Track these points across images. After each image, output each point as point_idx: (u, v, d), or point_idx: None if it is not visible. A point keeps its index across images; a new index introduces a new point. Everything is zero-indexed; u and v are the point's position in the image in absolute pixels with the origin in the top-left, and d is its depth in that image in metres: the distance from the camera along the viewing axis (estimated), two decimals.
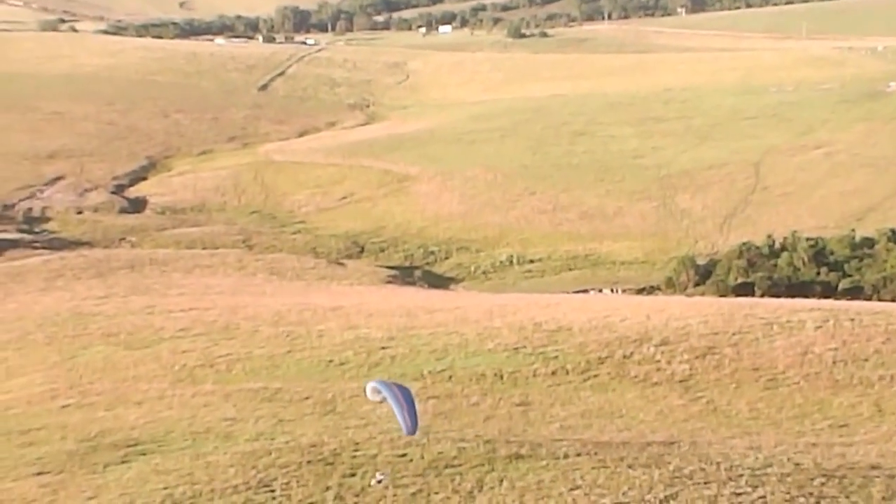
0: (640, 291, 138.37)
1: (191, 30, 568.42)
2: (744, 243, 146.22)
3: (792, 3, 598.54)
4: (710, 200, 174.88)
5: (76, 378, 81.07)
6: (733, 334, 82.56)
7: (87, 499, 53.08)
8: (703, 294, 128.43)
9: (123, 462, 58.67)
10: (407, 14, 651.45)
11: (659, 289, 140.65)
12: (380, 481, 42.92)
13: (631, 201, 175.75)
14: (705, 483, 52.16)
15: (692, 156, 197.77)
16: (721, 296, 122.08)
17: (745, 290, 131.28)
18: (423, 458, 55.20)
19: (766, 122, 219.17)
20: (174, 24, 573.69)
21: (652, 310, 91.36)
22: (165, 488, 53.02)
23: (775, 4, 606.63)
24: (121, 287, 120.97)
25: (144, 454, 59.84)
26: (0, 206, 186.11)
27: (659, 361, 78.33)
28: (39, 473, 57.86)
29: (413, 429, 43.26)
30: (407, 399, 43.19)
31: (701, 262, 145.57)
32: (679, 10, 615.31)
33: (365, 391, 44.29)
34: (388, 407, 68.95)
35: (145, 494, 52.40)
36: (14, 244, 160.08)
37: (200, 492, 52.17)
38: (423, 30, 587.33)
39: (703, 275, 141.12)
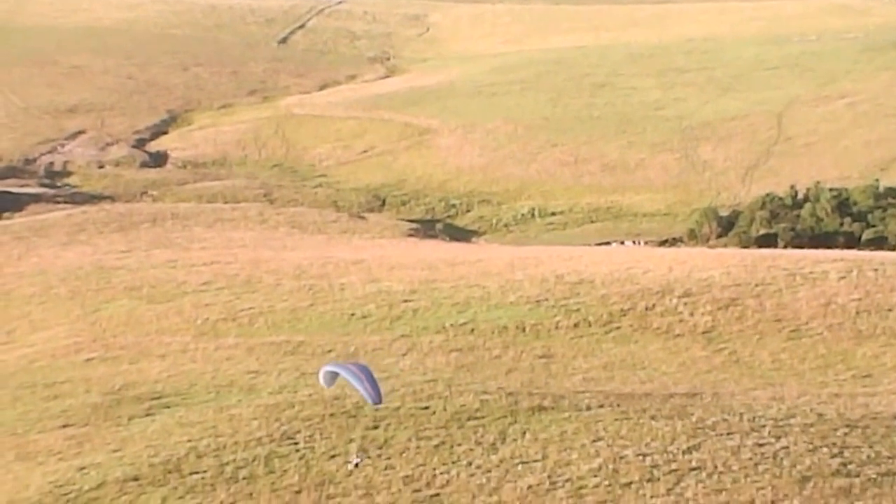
0: (662, 243, 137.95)
1: None
2: (766, 194, 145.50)
3: None
4: (732, 152, 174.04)
5: (99, 332, 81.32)
6: (756, 285, 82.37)
7: (112, 451, 53.40)
8: (725, 246, 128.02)
9: (147, 415, 58.98)
10: None
11: (681, 240, 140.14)
12: (357, 465, 42.34)
13: (653, 153, 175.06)
14: (728, 434, 52.22)
15: (714, 107, 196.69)
16: (744, 247, 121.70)
17: (767, 241, 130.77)
18: (445, 410, 55.34)
19: (788, 72, 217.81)
20: None
21: (674, 261, 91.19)
22: (189, 441, 53.30)
23: None
24: (143, 241, 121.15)
25: (168, 407, 60.14)
26: (21, 160, 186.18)
27: (681, 313, 78.26)
28: (65, 426, 58.23)
29: (378, 398, 42.66)
30: (364, 372, 42.56)
31: (723, 213, 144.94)
32: None
33: (319, 379, 43.73)
34: (410, 360, 69.19)
35: (170, 446, 52.69)
36: (36, 198, 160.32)
37: (224, 444, 52.43)
38: None
39: (726, 226, 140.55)
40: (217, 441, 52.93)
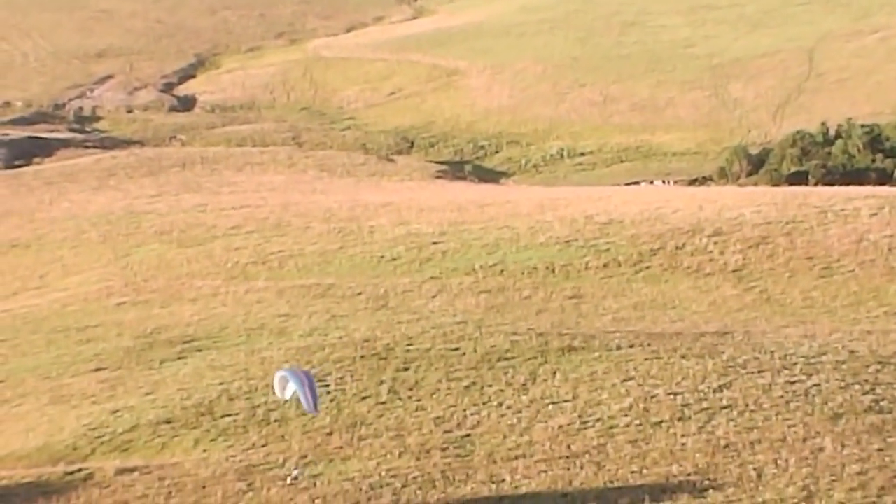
0: (692, 182, 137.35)
1: None
2: (797, 131, 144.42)
3: None
4: (762, 89, 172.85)
5: (131, 276, 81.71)
6: (787, 223, 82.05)
7: (145, 394, 53.74)
8: (756, 184, 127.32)
9: (179, 358, 59.30)
10: None
11: (711, 179, 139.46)
12: (296, 478, 42.06)
13: (682, 91, 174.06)
14: (759, 372, 52.18)
15: (744, 44, 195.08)
16: (774, 185, 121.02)
17: (798, 178, 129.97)
18: (475, 351, 55.44)
19: (820, 7, 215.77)
20: None
21: (704, 200, 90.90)
22: (221, 383, 53.57)
23: None
24: (172, 185, 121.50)
25: (200, 350, 60.44)
26: (51, 105, 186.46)
27: (712, 252, 78.06)
28: (98, 370, 58.62)
29: (315, 407, 42.20)
30: (308, 380, 41.99)
31: (754, 151, 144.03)
32: None
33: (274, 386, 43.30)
34: (440, 302, 69.32)
35: (202, 389, 52.97)
36: (66, 143, 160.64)
37: (256, 387, 52.67)
38: None
39: (756, 164, 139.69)
40: (249, 384, 53.17)
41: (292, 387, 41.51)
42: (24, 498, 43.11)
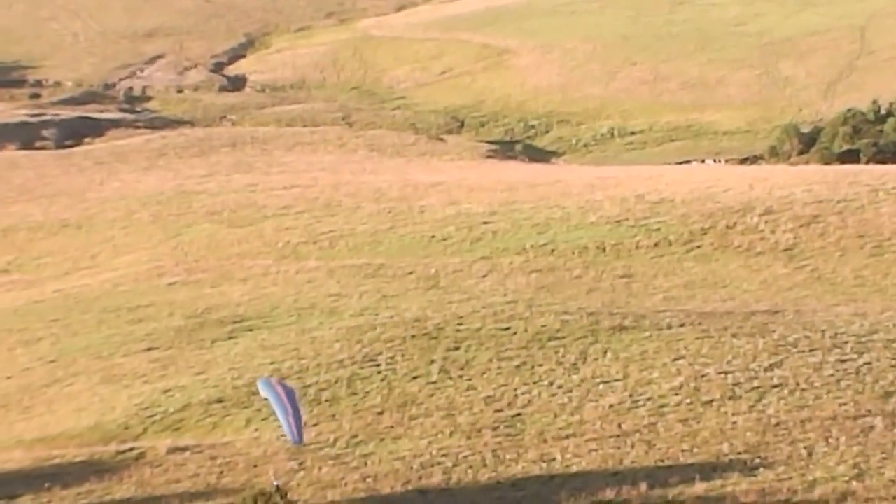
0: (742, 161, 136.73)
1: None
2: (848, 110, 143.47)
3: None
4: (813, 67, 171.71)
5: (181, 256, 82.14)
6: (838, 202, 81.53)
7: (196, 374, 54.05)
8: (807, 162, 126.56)
9: (230, 338, 59.58)
10: None
11: (762, 158, 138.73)
12: (277, 487, 40.76)
13: (733, 70, 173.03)
14: (810, 350, 52.00)
15: (795, 22, 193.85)
16: (825, 164, 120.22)
17: (850, 157, 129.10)
18: (526, 331, 55.46)
19: None
20: None
21: (755, 179, 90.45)
22: (272, 363, 53.83)
23: None
24: (223, 165, 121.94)
25: (251, 330, 60.71)
26: (101, 85, 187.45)
27: (763, 231, 77.68)
28: (149, 349, 58.98)
29: (300, 437, 39.15)
30: (291, 400, 39.19)
31: (805, 130, 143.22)
32: None
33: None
34: (490, 282, 69.37)
35: (252, 369, 53.23)
36: (116, 124, 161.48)
37: (307, 366, 52.90)
38: None
39: (807, 143, 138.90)
40: (300, 363, 53.40)
41: (273, 406, 39.57)
42: (76, 476, 43.51)
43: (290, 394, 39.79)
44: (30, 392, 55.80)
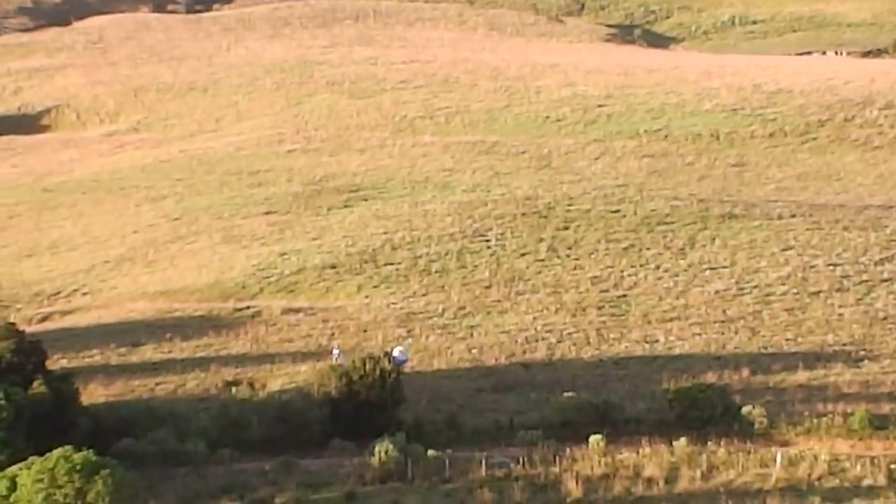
0: (865, 54, 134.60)
1: None
2: None
3: None
4: None
5: (302, 124, 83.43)
6: None
7: (312, 239, 55.36)
8: None
9: (346, 206, 60.81)
10: None
11: (886, 52, 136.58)
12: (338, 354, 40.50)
13: None
14: None
15: None
16: None
17: None
18: (636, 214, 55.95)
19: None
20: None
21: (878, 73, 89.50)
22: (385, 233, 54.93)
23: None
24: (345, 37, 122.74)
25: (365, 199, 61.86)
26: None
27: (881, 125, 77.09)
28: (268, 213, 60.45)
29: None
30: None
31: None
32: None
33: None
34: (602, 164, 69.72)
35: (366, 237, 54.40)
36: None
37: (418, 238, 53.93)
38: None
39: None
40: (412, 234, 54.42)
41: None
42: (195, 329, 44.90)
43: None
44: (154, 247, 57.59)
